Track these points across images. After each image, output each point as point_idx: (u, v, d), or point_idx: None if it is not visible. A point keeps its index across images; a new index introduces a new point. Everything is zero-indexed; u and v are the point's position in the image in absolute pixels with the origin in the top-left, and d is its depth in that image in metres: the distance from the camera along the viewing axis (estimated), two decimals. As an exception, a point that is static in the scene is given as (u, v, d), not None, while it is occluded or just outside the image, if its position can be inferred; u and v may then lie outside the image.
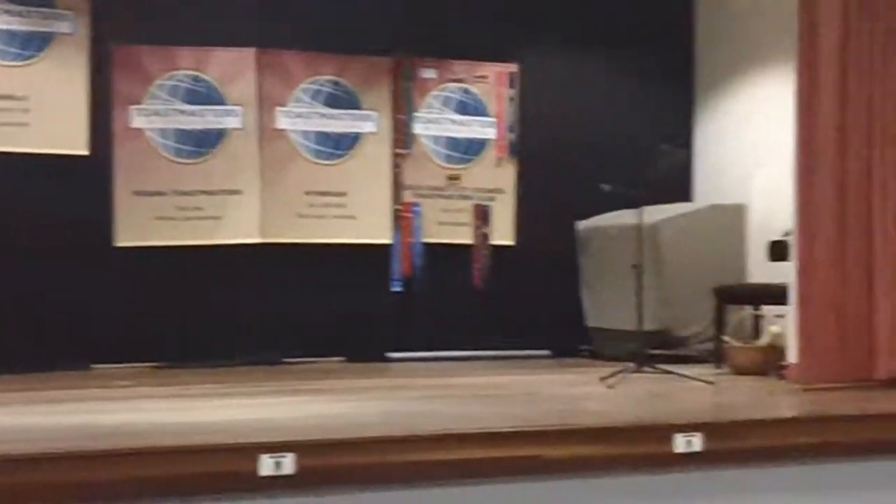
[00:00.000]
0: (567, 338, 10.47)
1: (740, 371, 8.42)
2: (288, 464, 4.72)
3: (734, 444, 5.40)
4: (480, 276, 10.52)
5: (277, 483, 4.72)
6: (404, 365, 9.71)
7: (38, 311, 9.24)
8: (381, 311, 10.22)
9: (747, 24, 10.20)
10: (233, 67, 9.88)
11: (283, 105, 10.02)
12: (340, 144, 10.15)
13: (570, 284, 10.55)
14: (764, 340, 8.68)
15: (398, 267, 10.31)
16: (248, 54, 9.92)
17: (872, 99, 7.27)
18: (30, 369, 8.75)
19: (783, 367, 7.58)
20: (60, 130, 9.36)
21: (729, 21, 10.62)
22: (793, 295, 7.36)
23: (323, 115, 10.12)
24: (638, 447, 5.29)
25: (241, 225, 9.82)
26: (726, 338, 8.84)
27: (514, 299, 10.41)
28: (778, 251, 8.31)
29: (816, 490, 5.58)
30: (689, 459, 5.29)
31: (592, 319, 10.41)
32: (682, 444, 5.27)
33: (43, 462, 4.55)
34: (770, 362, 8.25)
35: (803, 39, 7.35)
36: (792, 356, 7.34)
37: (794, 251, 7.39)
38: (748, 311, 9.17)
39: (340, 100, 10.19)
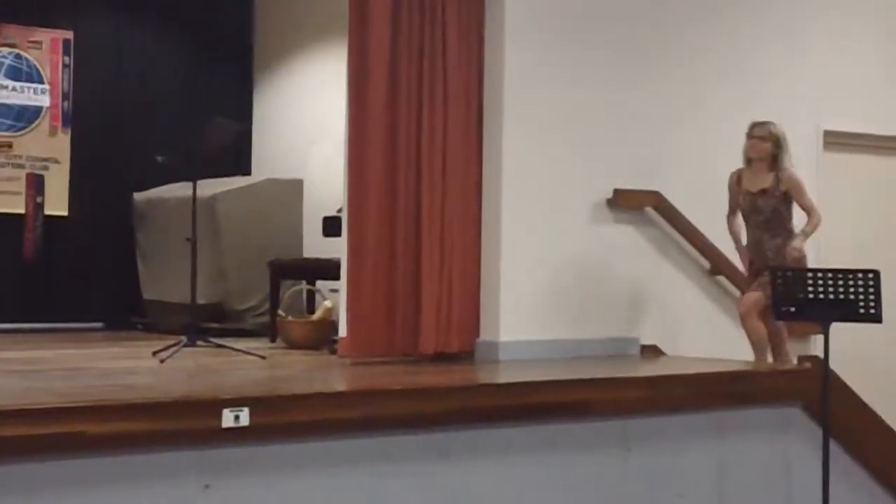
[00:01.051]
0: (121, 310, 10.28)
1: (294, 345, 8.46)
2: None
3: (280, 419, 5.36)
4: (32, 247, 10.14)
5: None
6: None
7: None
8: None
9: (304, 3, 10.25)
10: None
11: None
12: None
13: (125, 256, 10.37)
14: (317, 315, 8.73)
15: (-58, 235, 9.82)
16: None
17: (422, 75, 7.40)
18: None
19: (335, 342, 7.62)
20: None
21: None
22: (343, 271, 7.39)
23: None
24: (186, 422, 5.16)
25: None
26: (281, 312, 8.82)
27: (66, 270, 10.26)
28: (331, 227, 8.39)
29: (368, 462, 5.62)
30: (238, 434, 5.20)
31: (148, 292, 10.22)
32: (230, 418, 5.17)
33: None
34: (323, 336, 8.33)
35: (353, 16, 7.39)
36: (342, 331, 7.38)
37: (344, 228, 7.42)
38: (303, 285, 9.19)
39: None
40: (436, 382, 6.34)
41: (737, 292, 8.15)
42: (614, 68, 8.07)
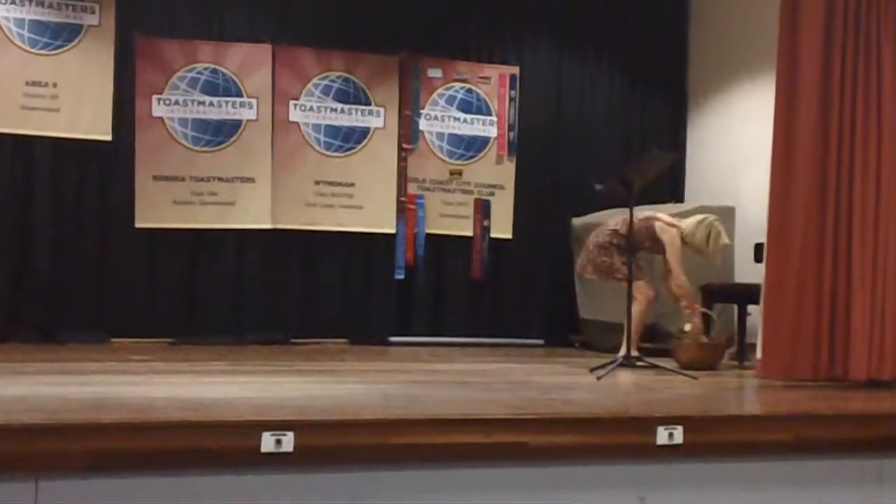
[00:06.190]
0: (559, 329, 10.43)
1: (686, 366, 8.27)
2: (287, 442, 4.67)
3: (712, 438, 5.30)
4: (479, 267, 10.48)
5: (276, 459, 4.66)
6: (404, 349, 9.64)
7: (63, 286, 9.25)
8: (384, 296, 10.22)
9: (735, 36, 10.21)
10: (250, 61, 9.86)
11: (295, 98, 9.98)
12: (349, 138, 10.13)
13: (564, 278, 10.49)
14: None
15: (401, 256, 10.27)
16: (264, 49, 9.89)
17: (854, 111, 7.13)
18: (54, 340, 8.87)
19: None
20: (86, 117, 9.32)
21: (719, 32, 10.62)
22: (762, 294, 7.26)
23: (333, 110, 10.08)
24: (621, 437, 5.20)
25: (253, 211, 9.81)
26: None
27: (510, 290, 10.43)
28: (763, 253, 8.21)
29: (790, 485, 5.50)
30: (671, 451, 5.21)
31: (585, 312, 10.34)
32: (664, 436, 5.19)
33: (53, 431, 4.49)
34: (716, 357, 8.29)
35: (783, 47, 7.22)
36: (759, 353, 7.22)
37: (765, 253, 7.27)
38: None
39: (350, 95, 10.17)
40: (865, 409, 6.10)
41: None
42: None
